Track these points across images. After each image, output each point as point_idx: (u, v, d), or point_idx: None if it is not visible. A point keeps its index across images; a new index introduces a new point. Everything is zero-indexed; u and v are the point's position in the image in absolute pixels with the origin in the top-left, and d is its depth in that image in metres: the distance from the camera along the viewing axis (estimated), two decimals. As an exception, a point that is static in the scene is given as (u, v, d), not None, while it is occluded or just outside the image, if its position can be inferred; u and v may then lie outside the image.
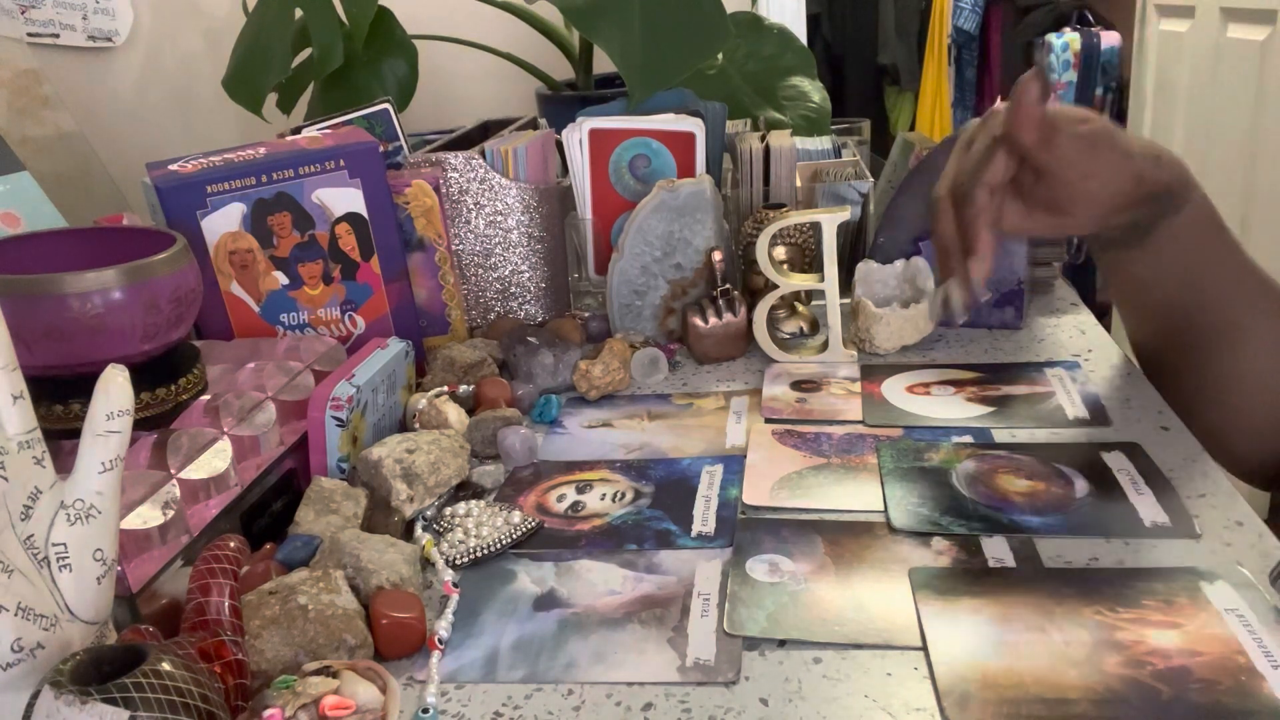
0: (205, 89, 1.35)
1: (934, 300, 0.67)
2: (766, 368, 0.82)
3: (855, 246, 0.93)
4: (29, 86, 1.17)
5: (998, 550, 0.55)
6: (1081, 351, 0.80)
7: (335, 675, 0.45)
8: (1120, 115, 2.61)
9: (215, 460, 0.57)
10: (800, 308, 0.88)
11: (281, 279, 0.76)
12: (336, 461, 0.64)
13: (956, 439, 0.67)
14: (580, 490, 0.66)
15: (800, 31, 1.62)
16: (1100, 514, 0.57)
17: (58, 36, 1.26)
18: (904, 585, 0.53)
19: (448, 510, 0.63)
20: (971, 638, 0.48)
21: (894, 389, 0.76)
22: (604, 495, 0.65)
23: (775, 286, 0.82)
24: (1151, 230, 0.67)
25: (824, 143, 1.01)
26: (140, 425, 0.57)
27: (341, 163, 0.75)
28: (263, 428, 0.62)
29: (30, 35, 1.23)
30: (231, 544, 0.48)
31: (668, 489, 0.65)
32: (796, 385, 0.78)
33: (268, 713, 0.42)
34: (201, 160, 0.75)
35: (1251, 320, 0.69)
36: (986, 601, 0.51)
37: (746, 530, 0.59)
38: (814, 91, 1.16)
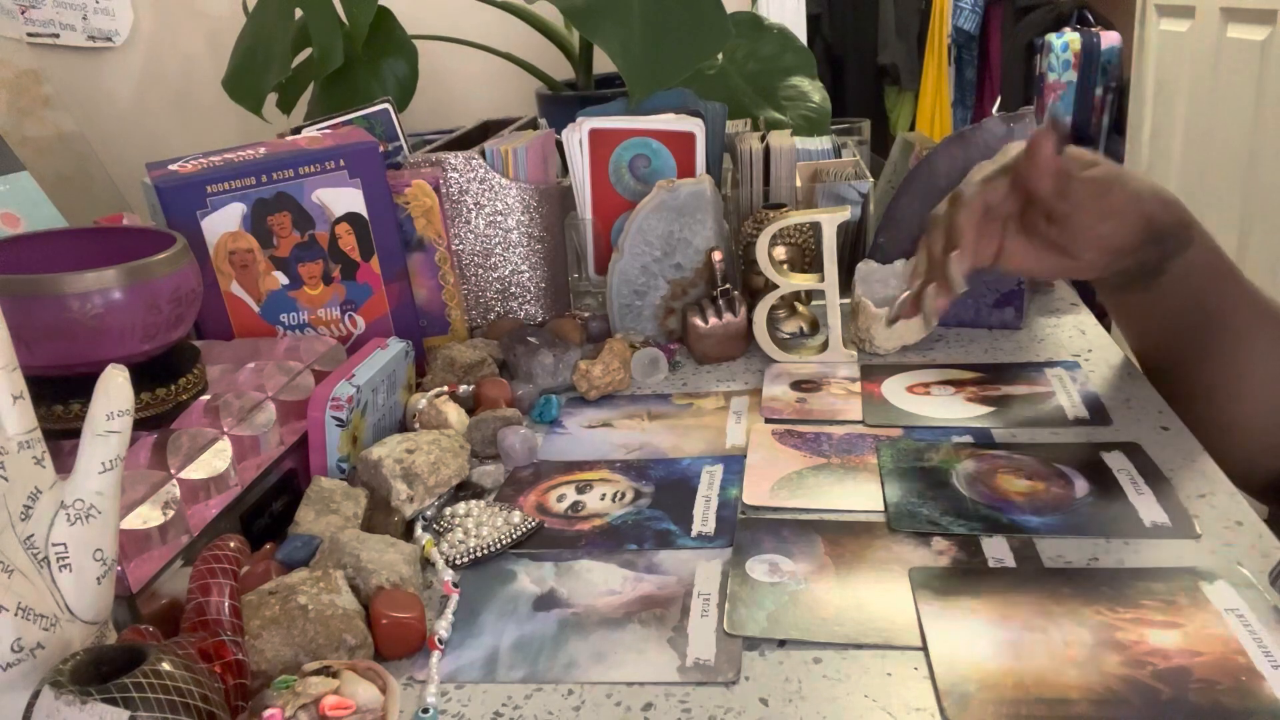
0: (205, 89, 1.35)
1: (900, 301, 0.67)
2: (766, 368, 0.82)
3: (855, 246, 0.93)
4: (29, 86, 1.17)
5: (998, 550, 0.55)
6: (1081, 351, 0.80)
7: (335, 675, 0.45)
8: (1120, 115, 2.61)
9: (215, 460, 0.57)
10: (800, 308, 0.88)
11: (281, 279, 0.76)
12: (336, 461, 0.64)
13: (956, 439, 0.67)
14: (580, 490, 0.66)
15: (800, 31, 1.62)
16: (1100, 514, 0.57)
17: (58, 36, 1.26)
18: (904, 585, 0.53)
19: (448, 510, 0.63)
20: (971, 638, 0.48)
21: (894, 389, 0.76)
22: (604, 495, 0.65)
23: (775, 286, 0.82)
24: (1160, 272, 0.67)
25: (824, 143, 1.01)
26: (140, 425, 0.57)
27: (341, 163, 0.75)
28: (263, 428, 0.62)
29: (30, 35, 1.23)
30: (231, 544, 0.48)
31: (668, 489, 0.65)
32: (796, 385, 0.78)
33: (268, 713, 0.42)
34: (201, 160, 0.75)
35: (1255, 344, 0.69)
36: (986, 601, 0.51)
37: (746, 530, 0.59)
38: (814, 91, 1.16)
